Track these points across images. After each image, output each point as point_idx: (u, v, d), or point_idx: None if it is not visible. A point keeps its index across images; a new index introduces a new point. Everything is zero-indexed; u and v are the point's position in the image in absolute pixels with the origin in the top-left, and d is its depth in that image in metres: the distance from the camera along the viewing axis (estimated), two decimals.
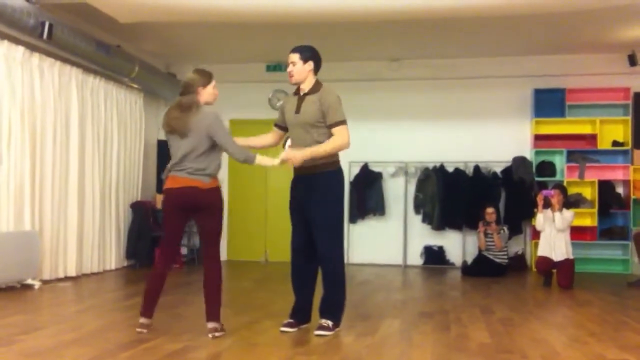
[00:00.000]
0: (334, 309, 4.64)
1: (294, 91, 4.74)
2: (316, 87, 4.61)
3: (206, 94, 4.68)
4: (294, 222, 4.77)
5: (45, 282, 7.02)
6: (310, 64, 4.62)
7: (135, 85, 9.20)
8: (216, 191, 4.49)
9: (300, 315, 4.72)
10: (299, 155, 4.42)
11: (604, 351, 4.12)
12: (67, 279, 7.51)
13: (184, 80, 4.70)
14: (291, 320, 4.69)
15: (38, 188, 7.09)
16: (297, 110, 4.58)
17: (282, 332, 4.59)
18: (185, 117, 4.48)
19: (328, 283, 4.63)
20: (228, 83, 10.45)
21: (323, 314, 4.63)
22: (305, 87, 4.63)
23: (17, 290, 6.50)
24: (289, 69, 4.63)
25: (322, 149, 4.46)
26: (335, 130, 4.50)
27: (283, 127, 4.84)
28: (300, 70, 4.60)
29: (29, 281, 6.67)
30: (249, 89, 10.28)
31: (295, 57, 4.61)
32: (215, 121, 4.48)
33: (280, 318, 5.12)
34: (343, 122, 4.54)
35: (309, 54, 4.64)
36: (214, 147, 4.47)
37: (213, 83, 4.73)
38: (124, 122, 9.00)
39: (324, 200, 4.55)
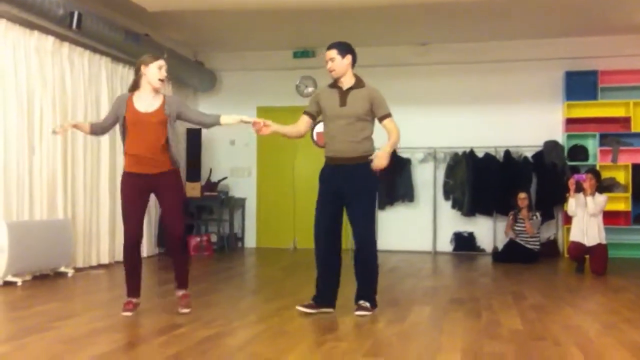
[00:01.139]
0: (371, 292, 4.85)
1: (330, 84, 4.88)
2: (360, 83, 4.81)
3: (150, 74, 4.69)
4: (327, 211, 4.84)
5: (78, 269, 7.13)
6: (349, 58, 4.77)
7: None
8: None
9: (321, 299, 4.82)
10: (386, 155, 4.67)
11: (639, 338, 4.05)
12: (100, 266, 7.62)
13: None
14: (312, 302, 4.80)
15: (70, 177, 7.18)
16: (343, 104, 4.73)
17: (300, 311, 4.73)
18: None
19: (365, 268, 4.84)
20: (255, 71, 10.51)
21: (361, 298, 4.81)
22: (347, 81, 4.79)
23: (50, 278, 6.61)
24: (328, 66, 4.77)
25: (392, 141, 4.75)
26: (388, 121, 4.76)
27: (314, 116, 4.98)
28: (339, 64, 4.74)
29: (63, 269, 6.77)
30: (276, 76, 10.28)
31: (333, 52, 4.74)
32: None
33: None
34: (391, 115, 4.81)
35: (346, 48, 4.79)
36: None
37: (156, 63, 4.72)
38: None
39: (365, 188, 4.79)
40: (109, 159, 7.87)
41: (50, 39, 6.88)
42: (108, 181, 7.84)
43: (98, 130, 4.98)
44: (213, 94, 10.63)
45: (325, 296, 4.82)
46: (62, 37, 7.03)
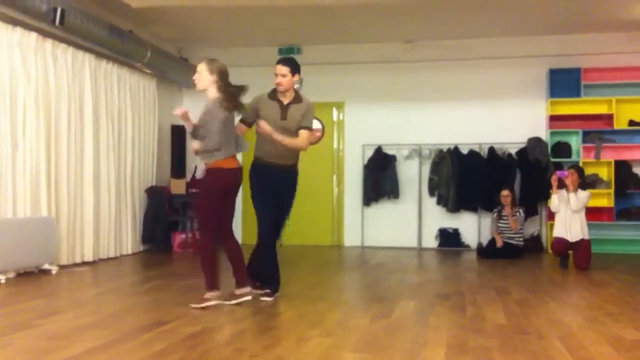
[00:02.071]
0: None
1: (270, 95, 5.24)
2: (298, 97, 5.23)
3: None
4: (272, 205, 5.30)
5: (62, 267, 7.09)
6: (297, 77, 5.21)
7: (148, 70, 9.20)
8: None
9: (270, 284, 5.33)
10: (268, 132, 5.08)
11: (621, 332, 4.10)
12: (84, 264, 7.58)
13: None
14: (268, 290, 5.27)
15: (54, 174, 7.13)
16: (284, 117, 5.15)
17: (264, 301, 5.12)
18: None
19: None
20: (240, 67, 10.45)
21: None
22: (289, 95, 5.20)
23: (35, 275, 6.57)
24: (278, 80, 5.11)
25: (288, 141, 5.14)
26: (303, 132, 5.20)
27: (250, 124, 5.33)
28: (289, 81, 5.14)
29: (47, 266, 6.73)
30: (261, 73, 10.22)
31: (285, 69, 5.11)
32: None
33: (294, 300, 5.16)
34: (311, 130, 5.29)
35: (297, 68, 5.20)
36: None
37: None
38: (137, 107, 9.03)
39: (294, 188, 5.42)
40: (92, 156, 7.81)
41: (33, 35, 6.82)
42: (92, 178, 7.79)
43: None
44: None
45: (271, 279, 5.38)
46: (45, 33, 6.97)
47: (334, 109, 10.17)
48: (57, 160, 7.22)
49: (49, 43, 7.08)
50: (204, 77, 4.92)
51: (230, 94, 4.88)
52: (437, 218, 9.83)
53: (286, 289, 5.57)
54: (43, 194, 6.92)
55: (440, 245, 9.76)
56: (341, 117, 10.19)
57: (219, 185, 4.83)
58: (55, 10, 6.54)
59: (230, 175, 4.86)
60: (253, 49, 10.18)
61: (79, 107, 7.67)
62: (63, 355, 3.44)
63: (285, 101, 5.18)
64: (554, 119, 9.45)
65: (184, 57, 10.25)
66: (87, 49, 7.73)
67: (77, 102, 7.60)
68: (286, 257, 8.70)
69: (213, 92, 4.89)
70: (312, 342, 3.80)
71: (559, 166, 9.08)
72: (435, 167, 9.79)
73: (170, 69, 9.55)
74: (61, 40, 7.25)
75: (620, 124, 9.28)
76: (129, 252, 8.71)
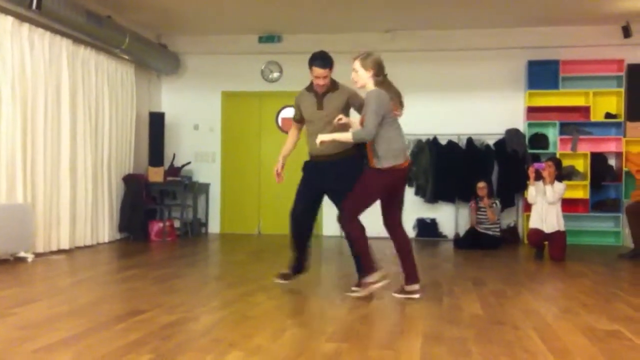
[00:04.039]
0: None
1: (308, 87, 5.26)
2: (334, 85, 5.20)
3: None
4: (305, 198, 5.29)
5: (38, 255, 7.02)
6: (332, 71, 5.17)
7: (127, 57, 9.11)
8: None
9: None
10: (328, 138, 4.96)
11: (594, 322, 4.16)
12: (60, 251, 7.51)
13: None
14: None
15: (30, 161, 7.05)
16: (320, 107, 5.14)
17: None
18: None
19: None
20: (220, 54, 10.42)
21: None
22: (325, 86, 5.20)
23: (10, 263, 6.50)
24: (319, 82, 5.08)
25: (346, 136, 4.93)
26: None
27: (301, 121, 5.38)
28: (329, 80, 5.13)
29: (22, 254, 6.66)
30: (241, 61, 10.21)
31: (326, 72, 5.07)
32: None
33: (273, 291, 5.16)
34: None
35: (332, 63, 5.13)
36: None
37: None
38: (115, 94, 8.93)
39: (347, 178, 5.15)
40: (69, 143, 7.73)
41: (10, 19, 6.71)
42: (69, 166, 7.72)
43: None
44: (177, 77, 10.52)
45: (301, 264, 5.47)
46: (21, 18, 6.86)
47: None
48: (33, 146, 7.13)
49: (25, 28, 6.97)
50: (360, 74, 4.86)
51: (388, 85, 4.86)
52: (415, 208, 9.85)
53: (264, 280, 5.57)
54: (19, 180, 6.84)
55: (418, 235, 9.80)
56: None
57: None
58: None
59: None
60: (233, 36, 10.11)
61: (56, 93, 7.57)
62: (38, 344, 3.41)
63: (321, 91, 5.19)
64: (532, 110, 9.52)
65: (163, 43, 10.15)
66: (64, 34, 7.62)
67: (54, 88, 7.51)
68: (264, 247, 8.71)
69: (371, 86, 4.84)
70: (290, 332, 3.81)
71: (536, 157, 9.16)
72: (414, 157, 9.80)
73: (148, 55, 9.46)
74: (38, 25, 7.14)
75: (597, 116, 9.38)
76: (106, 240, 8.65)
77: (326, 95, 5.15)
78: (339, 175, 5.09)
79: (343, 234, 5.38)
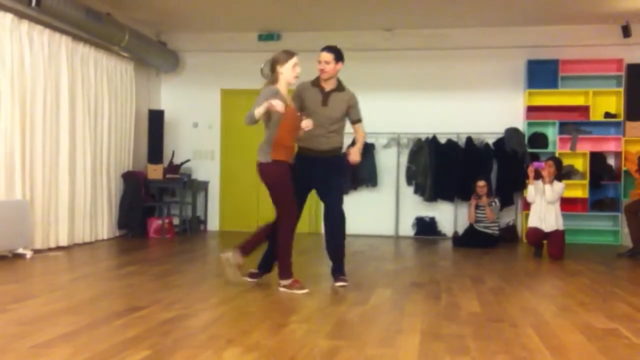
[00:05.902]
0: None
1: (313, 82, 5.32)
2: (341, 86, 5.33)
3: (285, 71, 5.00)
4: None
5: (37, 251, 7.02)
6: (340, 65, 5.26)
7: (126, 54, 9.10)
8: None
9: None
10: (359, 152, 5.46)
11: (592, 320, 4.16)
12: (58, 248, 7.51)
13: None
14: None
15: (29, 157, 7.04)
16: (325, 104, 5.24)
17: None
18: None
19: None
20: (219, 52, 10.41)
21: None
22: (331, 83, 5.29)
23: (8, 259, 6.50)
24: (322, 67, 5.18)
25: (362, 142, 5.51)
26: (358, 126, 5.46)
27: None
28: (332, 68, 5.21)
29: (21, 250, 6.66)
30: (240, 59, 10.19)
31: (329, 56, 5.18)
32: None
33: (272, 287, 5.16)
34: (362, 120, 5.49)
35: (341, 56, 5.26)
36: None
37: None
38: (114, 91, 8.93)
39: (335, 173, 5.48)
40: (68, 140, 7.72)
41: (9, 16, 6.70)
42: (68, 162, 7.71)
43: None
44: (176, 75, 10.51)
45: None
46: (21, 15, 6.85)
47: None
48: (32, 143, 7.12)
49: (24, 24, 6.97)
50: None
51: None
52: (414, 207, 9.87)
53: (263, 277, 5.58)
54: (17, 177, 6.83)
55: (417, 233, 9.81)
56: None
57: None
58: None
59: None
60: (232, 34, 10.11)
61: (55, 90, 7.56)
62: (36, 340, 3.41)
63: (327, 88, 5.27)
64: (531, 109, 9.52)
65: (162, 41, 10.15)
66: (63, 31, 7.62)
67: (53, 85, 7.50)
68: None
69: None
70: (288, 329, 3.81)
71: (535, 157, 9.16)
72: (413, 156, 9.83)
73: (148, 53, 9.46)
74: (37, 21, 7.14)
75: (596, 115, 9.37)
76: (105, 237, 8.64)
77: (332, 93, 5.25)
78: (328, 170, 5.31)
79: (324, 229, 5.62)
